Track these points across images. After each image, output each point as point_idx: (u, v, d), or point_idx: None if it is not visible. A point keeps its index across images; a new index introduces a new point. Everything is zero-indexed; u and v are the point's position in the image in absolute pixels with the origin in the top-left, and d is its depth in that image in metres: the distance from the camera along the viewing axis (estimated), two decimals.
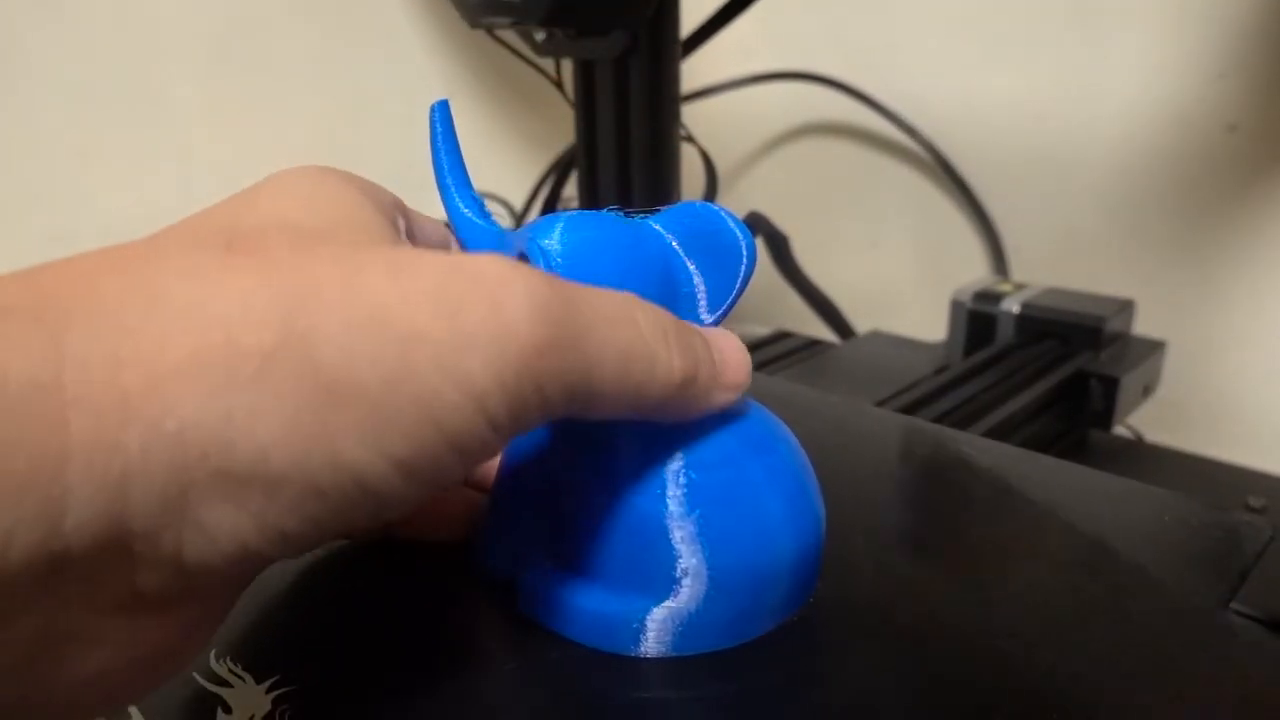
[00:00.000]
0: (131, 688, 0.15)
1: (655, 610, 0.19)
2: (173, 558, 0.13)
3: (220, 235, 0.15)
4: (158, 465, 0.13)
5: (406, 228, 0.21)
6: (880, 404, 0.45)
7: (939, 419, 0.44)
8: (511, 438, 0.15)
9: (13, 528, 0.12)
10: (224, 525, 0.13)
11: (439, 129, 0.24)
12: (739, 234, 0.21)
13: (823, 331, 0.70)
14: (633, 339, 0.16)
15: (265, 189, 0.18)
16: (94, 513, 0.12)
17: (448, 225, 0.24)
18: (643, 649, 0.19)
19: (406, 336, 0.14)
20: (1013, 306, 0.55)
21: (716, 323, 0.21)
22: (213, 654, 0.20)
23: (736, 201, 0.81)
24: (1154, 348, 0.54)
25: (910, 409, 0.45)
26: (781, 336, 0.65)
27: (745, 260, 0.21)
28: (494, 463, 0.23)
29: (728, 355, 0.19)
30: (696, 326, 0.20)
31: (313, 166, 0.19)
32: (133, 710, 0.19)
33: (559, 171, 0.68)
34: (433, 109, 0.23)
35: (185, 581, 0.14)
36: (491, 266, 0.15)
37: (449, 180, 0.24)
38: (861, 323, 0.70)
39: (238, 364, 0.13)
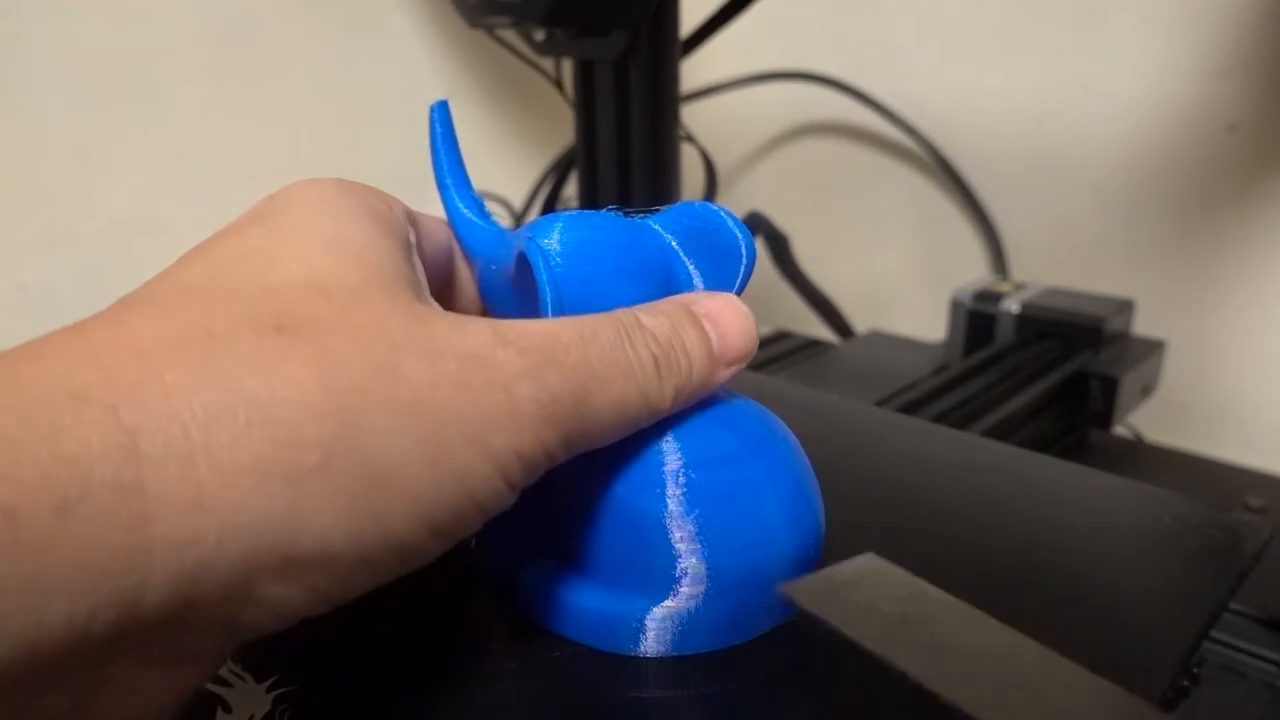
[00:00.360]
0: (158, 718, 0.16)
1: (655, 610, 0.19)
2: (228, 626, 0.15)
3: (267, 310, 0.15)
4: (230, 555, 0.14)
5: (416, 239, 0.21)
6: (880, 404, 0.45)
7: (938, 419, 0.44)
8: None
9: (94, 609, 0.12)
10: (280, 599, 0.15)
11: (438, 129, 0.24)
12: (738, 234, 0.21)
13: (822, 331, 0.70)
14: (625, 389, 0.18)
15: (288, 234, 0.18)
16: (168, 596, 0.13)
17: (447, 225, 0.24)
18: (642, 648, 0.19)
19: (443, 420, 0.15)
20: (1012, 306, 0.55)
21: None
22: None
23: (736, 201, 0.81)
24: (1154, 347, 0.54)
25: (910, 409, 0.45)
26: (781, 336, 0.65)
27: (745, 260, 0.21)
28: None
29: (728, 330, 0.20)
30: (695, 304, 0.20)
31: (329, 187, 0.19)
32: None
33: (559, 171, 0.68)
34: (432, 109, 0.23)
35: (233, 641, 0.15)
36: (501, 351, 0.16)
37: (448, 180, 0.24)
38: (861, 323, 0.70)
39: (301, 459, 0.14)
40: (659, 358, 0.18)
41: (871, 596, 0.17)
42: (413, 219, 0.21)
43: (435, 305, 0.19)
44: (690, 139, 0.60)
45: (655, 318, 0.19)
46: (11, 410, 0.13)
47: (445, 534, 0.16)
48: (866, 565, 0.18)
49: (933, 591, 0.17)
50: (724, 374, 0.20)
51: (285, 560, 0.14)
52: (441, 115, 0.23)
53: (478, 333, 0.17)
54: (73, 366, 0.14)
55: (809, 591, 0.17)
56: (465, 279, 0.24)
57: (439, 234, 0.23)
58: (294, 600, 0.15)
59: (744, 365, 0.20)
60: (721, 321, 0.20)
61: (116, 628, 0.13)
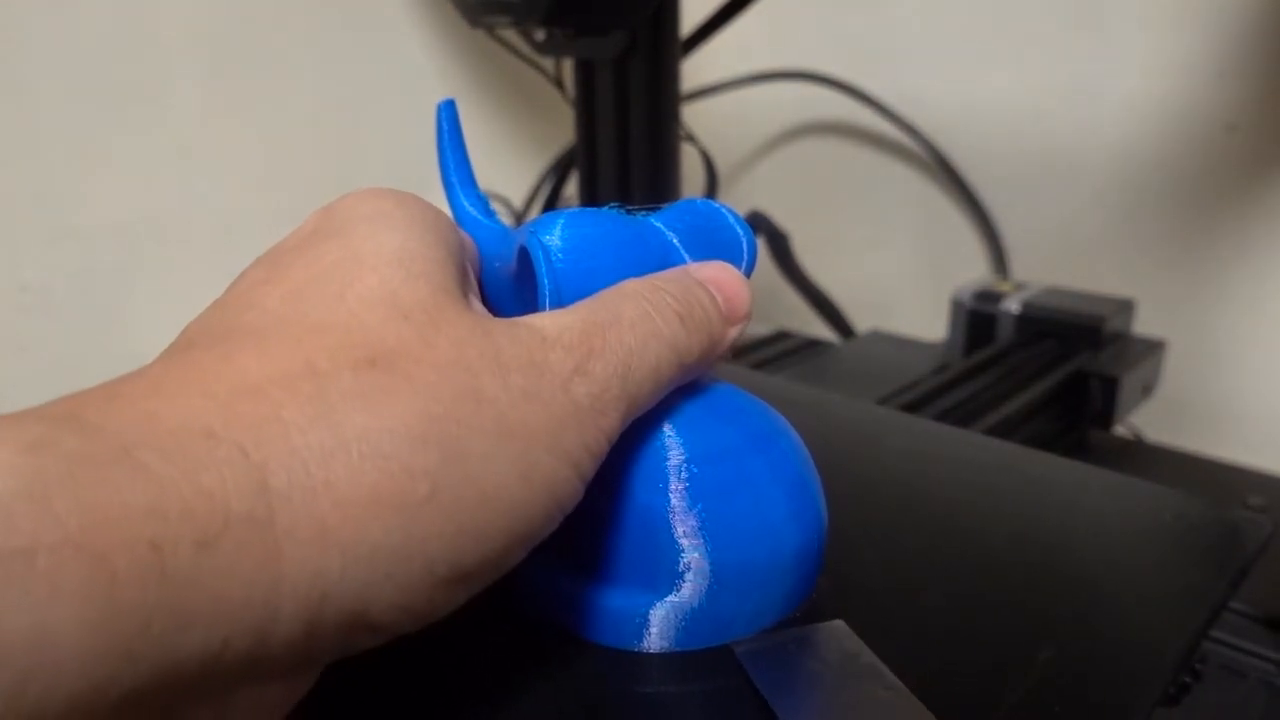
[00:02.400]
0: None
1: (658, 605, 0.19)
2: (341, 647, 0.15)
3: (358, 342, 0.16)
4: (352, 586, 0.14)
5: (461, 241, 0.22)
6: (880, 403, 0.45)
7: (939, 418, 0.44)
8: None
9: (229, 638, 0.13)
10: (390, 623, 0.15)
11: (445, 127, 0.24)
12: (739, 230, 0.21)
13: (823, 331, 0.70)
14: (659, 352, 0.19)
15: (358, 248, 0.18)
16: (295, 626, 0.14)
17: None
18: (646, 644, 0.19)
19: (527, 435, 0.16)
20: (1013, 306, 0.55)
21: None
22: None
23: (737, 201, 0.81)
24: (1154, 347, 0.54)
25: (910, 408, 0.46)
26: (781, 336, 0.65)
27: (746, 256, 0.21)
28: None
29: (730, 292, 0.21)
30: (695, 272, 0.21)
31: (387, 200, 0.20)
32: None
33: (559, 171, 0.68)
34: (440, 107, 0.23)
35: (344, 656, 0.16)
36: (550, 356, 0.17)
37: (454, 178, 0.24)
38: (861, 322, 0.70)
39: (413, 489, 0.15)
40: (683, 315, 0.19)
41: (805, 662, 0.19)
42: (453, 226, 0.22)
43: (482, 307, 0.20)
44: (690, 138, 0.60)
45: (668, 281, 0.20)
46: (150, 446, 0.13)
47: (533, 542, 0.17)
48: (825, 631, 0.20)
49: (870, 666, 0.19)
50: (732, 333, 0.21)
51: (398, 589, 0.15)
52: (449, 114, 0.23)
53: (529, 338, 0.17)
54: (195, 403, 0.14)
55: (750, 650, 0.19)
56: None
57: (471, 244, 0.23)
58: (400, 622, 0.15)
59: (745, 326, 0.21)
60: (721, 285, 0.21)
61: (248, 655, 0.13)
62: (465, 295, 0.19)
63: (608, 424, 0.18)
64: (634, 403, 0.18)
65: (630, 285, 0.19)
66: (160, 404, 0.14)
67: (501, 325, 0.18)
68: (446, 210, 0.24)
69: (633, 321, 0.18)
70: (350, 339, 0.16)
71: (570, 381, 0.17)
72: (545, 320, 0.18)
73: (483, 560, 0.16)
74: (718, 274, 0.21)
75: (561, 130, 0.64)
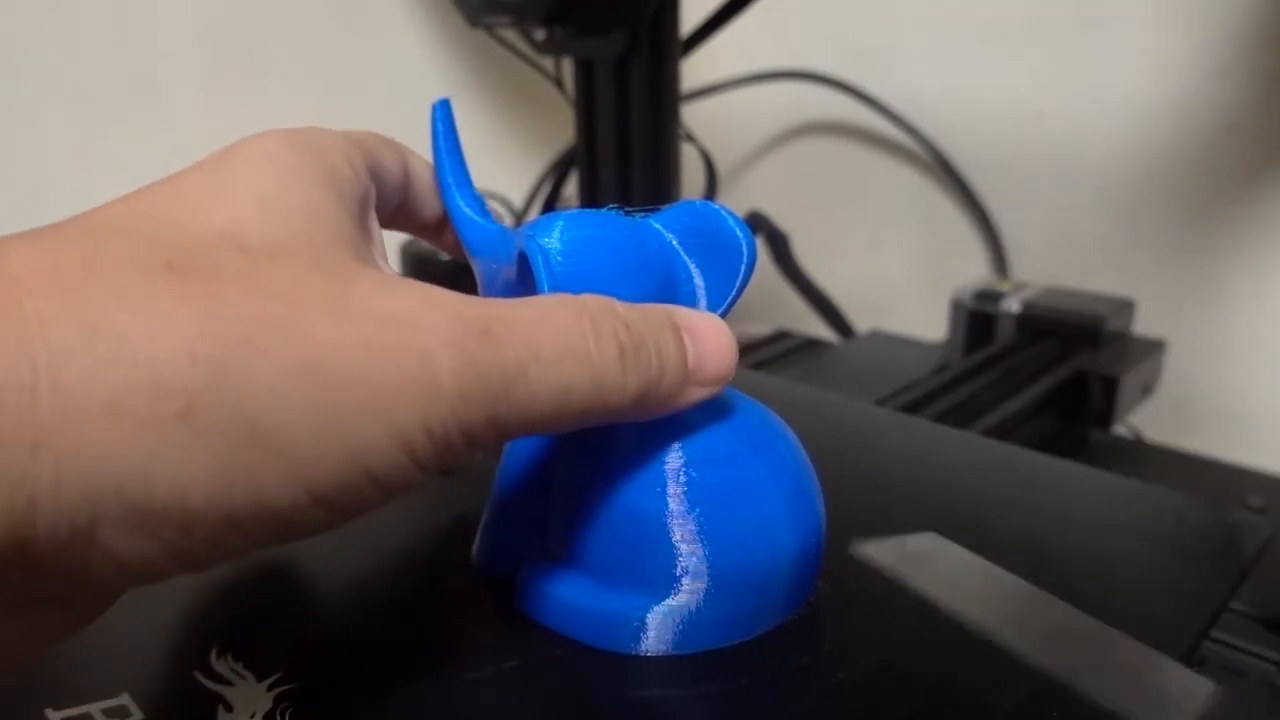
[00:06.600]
0: (8, 666, 0.15)
1: (656, 608, 0.19)
2: (77, 574, 0.13)
3: (163, 248, 0.14)
4: (69, 496, 0.13)
5: (406, 184, 0.22)
6: (880, 403, 0.45)
7: (939, 418, 0.44)
8: (441, 469, 0.16)
9: None
10: (132, 552, 0.13)
11: (440, 127, 0.24)
12: (739, 233, 0.21)
13: (823, 331, 0.70)
14: (575, 373, 0.16)
15: (224, 182, 0.17)
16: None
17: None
18: (643, 647, 0.19)
19: (340, 384, 0.14)
20: (1013, 306, 0.55)
21: None
22: (214, 652, 0.20)
23: (737, 201, 0.81)
24: (1154, 347, 0.54)
25: (910, 408, 0.45)
26: (781, 336, 0.65)
27: (745, 259, 0.21)
28: None
29: (708, 349, 0.19)
30: (678, 315, 0.19)
31: (281, 143, 0.18)
32: (132, 708, 0.19)
33: (559, 171, 0.68)
34: (434, 107, 0.23)
35: (87, 590, 0.14)
36: (428, 317, 0.15)
37: (450, 179, 0.24)
38: (861, 322, 0.70)
39: (162, 404, 0.13)
40: (625, 348, 0.17)
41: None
42: (379, 167, 0.21)
43: (383, 268, 0.18)
44: (690, 138, 0.60)
45: (632, 311, 0.18)
46: None
47: (333, 506, 0.15)
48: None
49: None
50: (695, 394, 0.19)
51: (133, 510, 0.13)
52: (443, 114, 0.23)
53: (408, 297, 0.15)
54: None
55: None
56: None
57: (429, 181, 0.23)
58: (150, 555, 0.14)
59: (717, 390, 0.19)
60: (701, 338, 0.19)
61: None
62: (344, 250, 0.17)
63: (467, 416, 0.15)
64: (522, 411, 0.16)
65: (587, 298, 0.18)
66: None
67: (385, 281, 0.16)
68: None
69: (559, 329, 0.16)
70: (154, 245, 0.14)
71: (438, 352, 0.15)
72: (454, 293, 0.16)
73: (255, 506, 0.14)
74: (702, 325, 0.19)
75: (561, 130, 0.64)
